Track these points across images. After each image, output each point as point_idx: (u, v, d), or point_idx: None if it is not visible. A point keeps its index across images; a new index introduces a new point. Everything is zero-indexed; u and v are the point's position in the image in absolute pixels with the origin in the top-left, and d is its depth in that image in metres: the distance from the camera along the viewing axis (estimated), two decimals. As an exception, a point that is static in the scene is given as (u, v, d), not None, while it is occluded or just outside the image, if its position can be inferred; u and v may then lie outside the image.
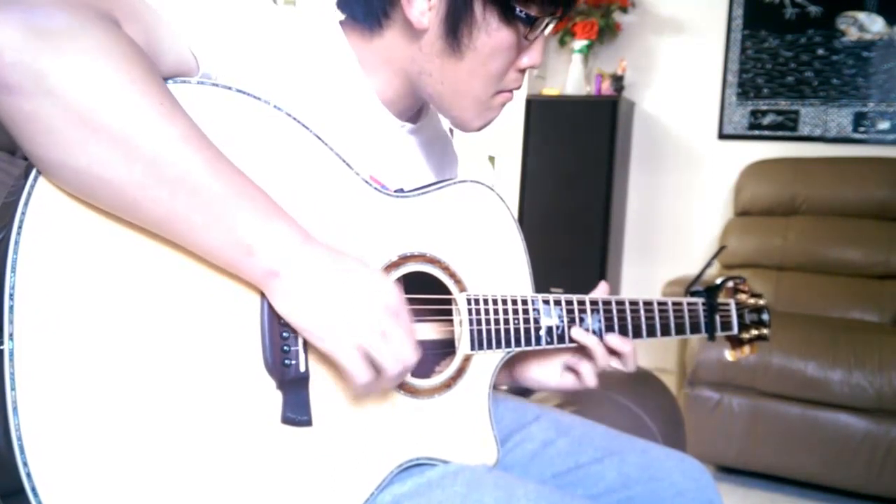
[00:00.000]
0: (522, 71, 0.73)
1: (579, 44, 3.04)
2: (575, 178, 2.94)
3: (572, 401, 1.11)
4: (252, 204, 0.53)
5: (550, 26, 0.71)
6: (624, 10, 3.03)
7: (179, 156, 0.49)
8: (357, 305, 0.56)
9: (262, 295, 0.56)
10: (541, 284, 0.78)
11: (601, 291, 0.85)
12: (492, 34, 0.68)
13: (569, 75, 3.07)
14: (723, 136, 3.02)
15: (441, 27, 0.68)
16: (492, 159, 3.08)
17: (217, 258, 0.53)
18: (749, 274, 2.55)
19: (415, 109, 0.80)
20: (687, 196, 3.10)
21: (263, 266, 0.53)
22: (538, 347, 0.77)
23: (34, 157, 0.48)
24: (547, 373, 0.86)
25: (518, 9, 0.67)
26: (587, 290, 0.83)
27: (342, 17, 0.76)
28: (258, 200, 0.53)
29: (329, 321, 0.55)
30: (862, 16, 2.77)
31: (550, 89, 3.09)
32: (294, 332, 0.57)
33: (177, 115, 0.50)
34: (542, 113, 2.98)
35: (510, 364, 0.89)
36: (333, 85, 0.71)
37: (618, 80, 2.96)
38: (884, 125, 2.75)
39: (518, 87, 0.75)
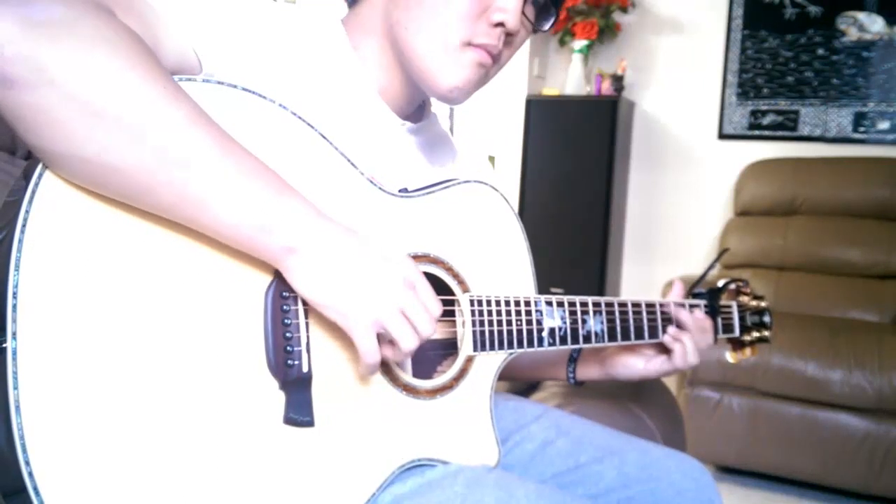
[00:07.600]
0: (495, 26, 0.69)
1: (579, 44, 3.03)
2: (575, 178, 2.94)
3: (572, 401, 1.11)
4: (264, 181, 0.53)
5: None
6: (624, 10, 3.03)
7: (187, 137, 0.49)
8: (376, 281, 0.56)
9: (267, 293, 0.56)
10: (540, 284, 0.79)
11: (676, 294, 0.91)
12: None
13: (569, 75, 3.07)
14: (723, 136, 3.01)
15: None
16: (492, 159, 3.08)
17: (232, 238, 0.52)
18: (749, 274, 2.56)
19: (415, 106, 0.79)
20: (687, 196, 3.10)
21: (280, 243, 0.53)
22: (540, 349, 0.77)
23: (41, 151, 0.48)
24: (636, 360, 0.90)
25: None
26: (587, 290, 0.83)
27: (343, 15, 0.76)
28: (269, 177, 0.53)
29: (348, 297, 0.55)
30: (862, 16, 2.77)
31: (550, 89, 3.09)
32: (297, 332, 0.57)
33: (181, 98, 0.50)
34: (542, 113, 2.98)
35: (600, 359, 0.92)
36: (335, 83, 0.71)
37: (618, 80, 2.96)
38: (884, 125, 2.75)
39: (493, 46, 0.69)
